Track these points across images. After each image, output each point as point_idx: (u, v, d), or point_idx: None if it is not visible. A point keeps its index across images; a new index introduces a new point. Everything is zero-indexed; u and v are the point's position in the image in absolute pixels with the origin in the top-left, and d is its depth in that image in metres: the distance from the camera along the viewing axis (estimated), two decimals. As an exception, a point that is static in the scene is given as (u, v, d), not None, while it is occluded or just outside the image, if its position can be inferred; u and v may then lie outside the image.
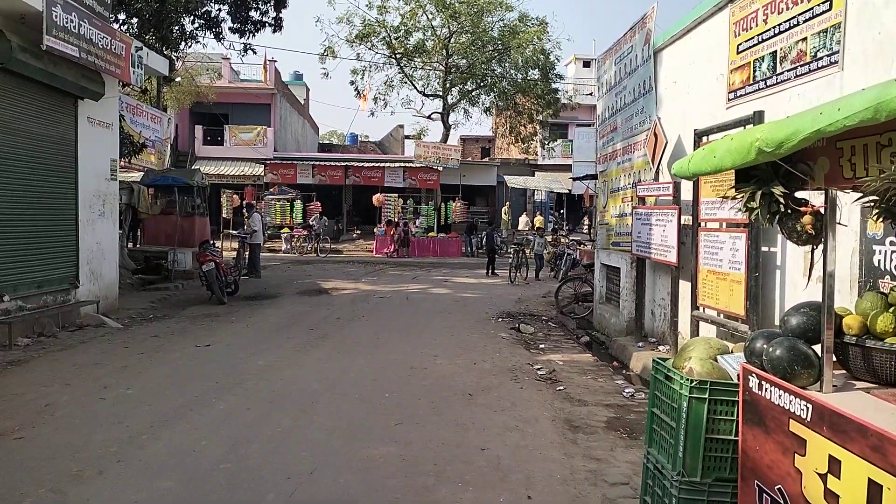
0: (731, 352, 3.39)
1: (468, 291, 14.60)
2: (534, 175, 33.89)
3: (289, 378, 6.77)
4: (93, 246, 10.41)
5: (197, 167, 24.72)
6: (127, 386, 6.35)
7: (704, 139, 6.46)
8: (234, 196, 26.35)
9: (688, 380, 3.16)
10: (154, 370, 7.06)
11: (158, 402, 5.81)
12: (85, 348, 8.14)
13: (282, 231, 25.68)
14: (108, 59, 9.79)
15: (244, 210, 19.71)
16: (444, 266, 20.96)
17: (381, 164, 28.26)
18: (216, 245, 15.50)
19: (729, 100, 6.37)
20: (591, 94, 33.43)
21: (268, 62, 29.78)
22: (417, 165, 27.51)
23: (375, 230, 26.08)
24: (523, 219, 28.89)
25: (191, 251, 14.90)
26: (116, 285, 11.14)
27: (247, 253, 17.02)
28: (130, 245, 15.84)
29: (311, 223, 24.31)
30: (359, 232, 28.91)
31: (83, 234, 10.15)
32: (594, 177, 15.60)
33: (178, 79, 23.14)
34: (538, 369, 7.39)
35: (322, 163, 28.55)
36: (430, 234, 26.00)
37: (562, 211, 33.55)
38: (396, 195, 27.26)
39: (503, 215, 29.39)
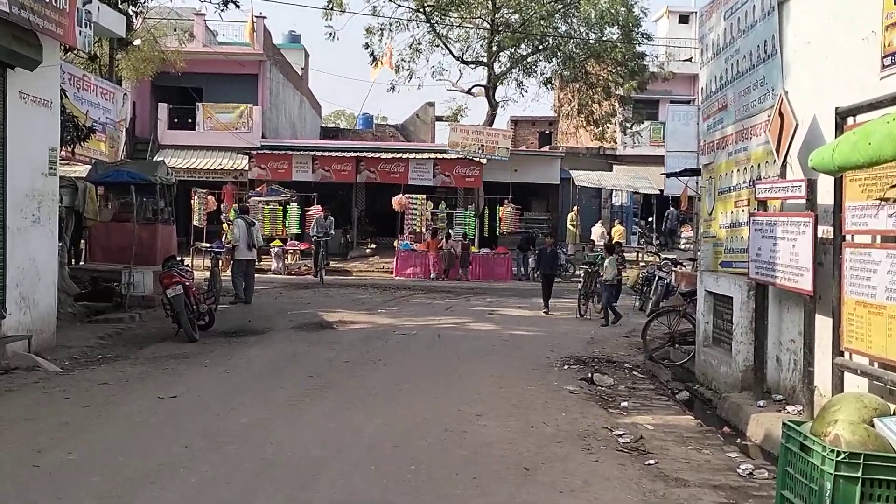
0: (894, 413, 3.32)
1: (522, 328, 14.57)
2: (611, 170, 33.79)
3: (281, 441, 6.83)
4: (24, 263, 10.68)
5: (161, 159, 25.28)
6: (68, 450, 6.47)
7: (850, 120, 6.38)
8: (209, 197, 26.91)
9: (833, 451, 3.11)
10: (104, 429, 7.19)
11: (110, 473, 5.91)
12: (12, 399, 8.32)
13: (271, 245, 26.03)
14: (47, 14, 10.06)
15: (222, 216, 20.13)
16: (489, 293, 20.98)
17: (405, 156, 28.59)
18: (185, 262, 15.78)
19: (884, 66, 6.28)
20: (690, 59, 33.35)
21: (255, 19, 30.30)
22: (453, 157, 27.76)
23: (396, 244, 26.33)
24: (597, 229, 28.84)
25: (152, 270, 15.19)
26: (55, 315, 11.40)
27: (225, 272, 17.30)
28: (73, 262, 16.20)
29: (312, 233, 24.27)
30: (373, 247, 29.20)
31: (12, 248, 10.40)
32: (695, 172, 15.51)
33: (137, 42, 23.73)
34: (619, 435, 7.32)
35: (326, 153, 29.05)
36: (471, 249, 26.13)
37: (650, 219, 33.38)
38: (424, 197, 27.49)
39: (569, 224, 29.38)
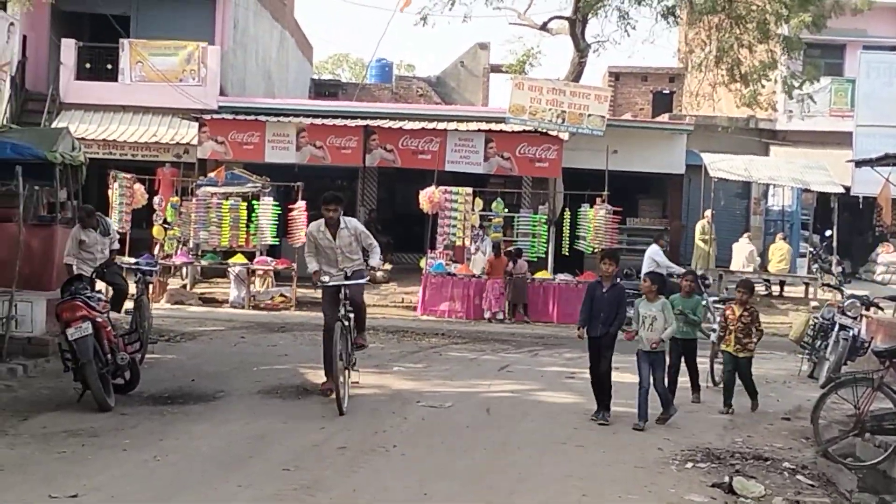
0: None
1: (619, 400, 14.39)
2: (768, 153, 33.42)
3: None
4: None
5: (63, 126, 25.47)
6: None
7: None
8: (137, 186, 27.13)
9: None
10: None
11: None
12: None
13: (230, 263, 26.09)
14: None
15: (155, 216, 20.11)
16: (568, 344, 20.63)
17: (441, 126, 28.63)
18: (97, 287, 15.85)
19: None
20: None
21: None
22: (516, 129, 27.79)
23: (424, 264, 26.42)
24: (742, 246, 28.56)
25: (45, 298, 15.30)
26: None
27: (158, 301, 17.38)
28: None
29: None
30: (387, 268, 29.15)
31: None
32: (901, 160, 15.25)
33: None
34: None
35: (318, 120, 29.15)
36: (540, 273, 25.97)
37: (828, 232, 32.90)
38: (470, 191, 27.35)
39: (698, 238, 29.07)
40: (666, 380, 13.43)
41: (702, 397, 14.75)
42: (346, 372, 13.09)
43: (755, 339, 14.35)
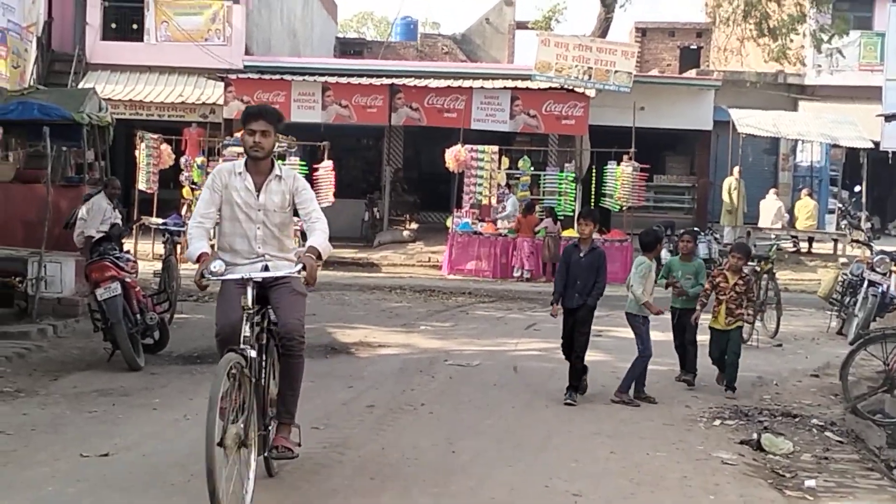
0: None
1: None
2: (796, 109, 33.19)
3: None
4: None
5: (90, 86, 25.47)
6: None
7: None
8: (164, 147, 27.09)
9: None
10: (-2, 504, 7.30)
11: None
12: None
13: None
14: None
15: (183, 176, 20.02)
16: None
17: (467, 84, 28.54)
18: (126, 247, 15.90)
19: None
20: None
21: None
22: (543, 86, 27.70)
23: (450, 223, 26.44)
24: (770, 203, 28.44)
25: (74, 259, 15.34)
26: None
27: (185, 263, 17.37)
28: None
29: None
30: (414, 227, 29.21)
31: None
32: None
33: None
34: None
35: (343, 79, 29.07)
36: (567, 231, 25.98)
37: (857, 188, 32.69)
38: (496, 149, 27.25)
39: (726, 195, 28.94)
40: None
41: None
42: (241, 454, 7.01)
43: (749, 311, 12.80)
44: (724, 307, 12.34)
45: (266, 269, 7.79)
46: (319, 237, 7.84)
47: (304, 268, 7.48)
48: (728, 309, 12.34)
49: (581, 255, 11.75)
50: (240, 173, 7.88)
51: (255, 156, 7.78)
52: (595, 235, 22.80)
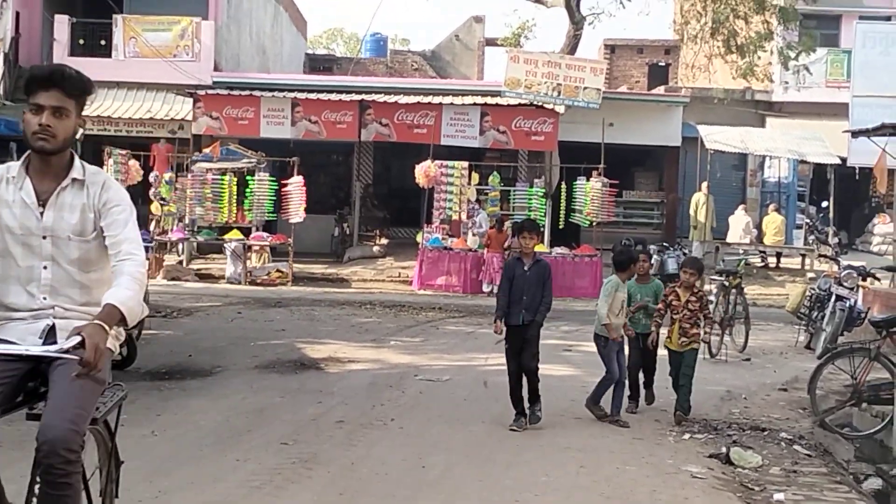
0: None
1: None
2: (764, 125, 33.41)
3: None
4: None
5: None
6: None
7: None
8: (131, 163, 27.05)
9: None
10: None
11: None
12: None
13: (224, 238, 26.10)
14: None
15: (152, 192, 20.06)
16: (565, 317, 20.73)
17: (437, 100, 28.67)
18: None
19: None
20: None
21: None
22: (512, 102, 27.75)
23: (420, 238, 26.51)
24: (738, 218, 28.58)
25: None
26: None
27: (155, 277, 17.39)
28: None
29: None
30: (384, 242, 29.24)
31: None
32: (897, 130, 15.24)
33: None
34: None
35: (313, 95, 29.07)
36: (537, 247, 25.99)
37: (825, 204, 32.92)
38: (466, 165, 27.32)
39: (693, 210, 29.08)
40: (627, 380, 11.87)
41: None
42: None
43: (704, 329, 12.07)
44: (677, 326, 11.69)
45: (51, 331, 5.13)
46: (125, 287, 4.96)
47: (80, 343, 4.56)
48: (682, 328, 11.67)
49: (525, 268, 11.27)
50: (13, 178, 4.93)
51: (42, 147, 4.82)
52: (565, 250, 22.79)
